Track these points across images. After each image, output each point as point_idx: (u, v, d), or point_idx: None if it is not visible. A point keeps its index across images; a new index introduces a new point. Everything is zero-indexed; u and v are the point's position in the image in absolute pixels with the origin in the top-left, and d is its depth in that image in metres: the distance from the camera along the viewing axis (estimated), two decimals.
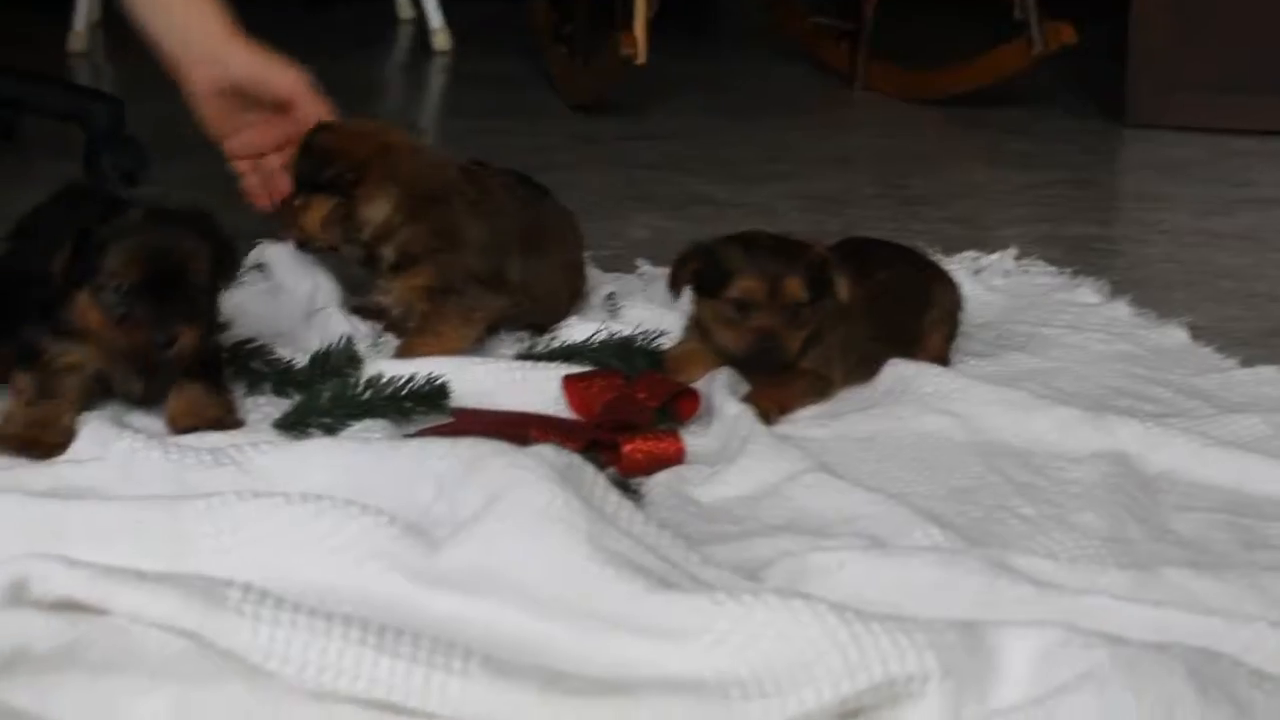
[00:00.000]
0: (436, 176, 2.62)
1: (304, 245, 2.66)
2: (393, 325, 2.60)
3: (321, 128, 2.64)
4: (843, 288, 2.38)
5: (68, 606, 1.56)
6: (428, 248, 2.56)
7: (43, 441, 2.12)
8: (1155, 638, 1.57)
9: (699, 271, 2.41)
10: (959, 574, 1.74)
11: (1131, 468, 2.17)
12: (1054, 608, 1.68)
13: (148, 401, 2.24)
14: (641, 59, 4.52)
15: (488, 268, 2.58)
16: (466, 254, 2.57)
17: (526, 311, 2.63)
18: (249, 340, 2.41)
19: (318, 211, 2.58)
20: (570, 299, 2.74)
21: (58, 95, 3.93)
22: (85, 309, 2.16)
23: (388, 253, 2.56)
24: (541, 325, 2.62)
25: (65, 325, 2.18)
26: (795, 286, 2.36)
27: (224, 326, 2.33)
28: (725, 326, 2.38)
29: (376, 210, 2.56)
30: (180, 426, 2.20)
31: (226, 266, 2.25)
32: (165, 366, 2.18)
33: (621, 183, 4.03)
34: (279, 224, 2.71)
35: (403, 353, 2.49)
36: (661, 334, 2.51)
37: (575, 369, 2.38)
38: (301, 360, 2.40)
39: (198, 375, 2.22)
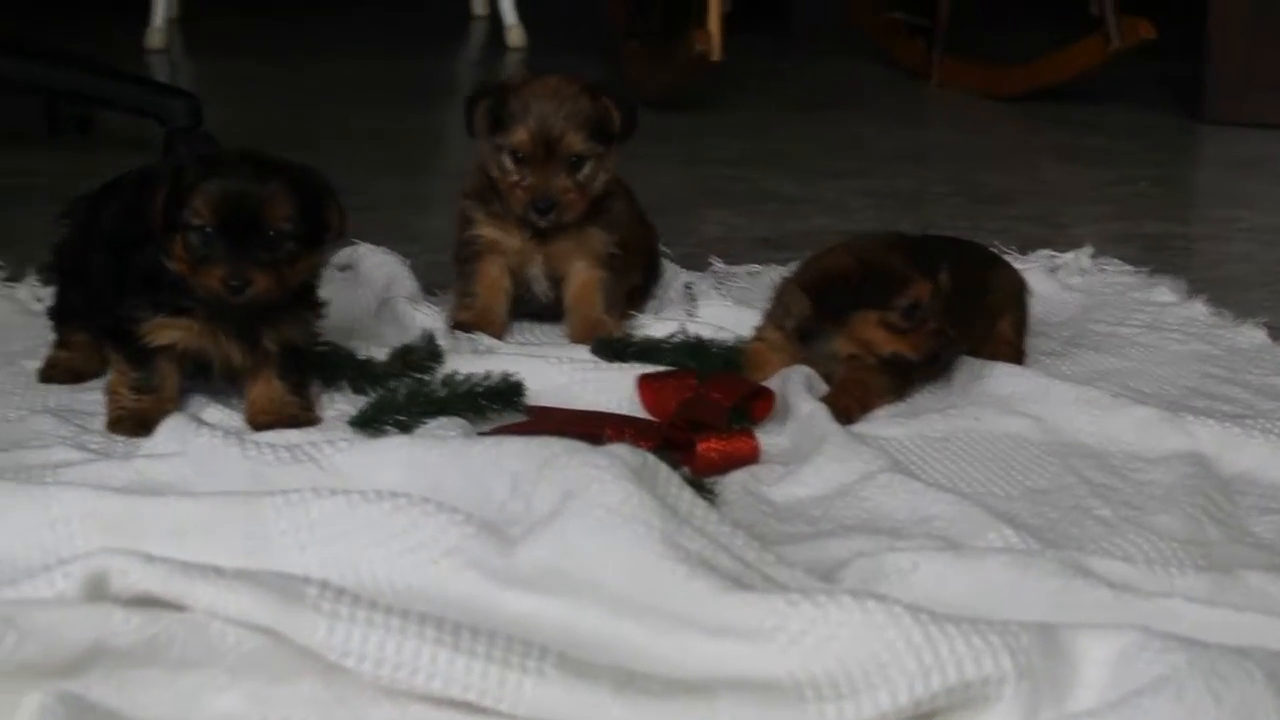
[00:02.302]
0: None
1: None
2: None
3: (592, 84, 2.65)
4: (945, 279, 2.38)
5: (147, 602, 1.57)
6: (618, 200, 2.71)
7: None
8: (1234, 641, 1.56)
9: (860, 288, 2.35)
10: (1034, 576, 1.73)
11: (1209, 469, 2.15)
12: (1131, 610, 1.67)
13: (242, 374, 2.26)
14: (716, 55, 4.52)
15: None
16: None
17: None
18: (324, 341, 2.41)
19: (610, 167, 2.65)
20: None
21: (135, 91, 3.96)
22: (178, 252, 2.18)
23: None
24: None
25: (165, 299, 2.21)
26: (947, 280, 2.36)
27: (320, 306, 2.33)
28: (897, 336, 2.34)
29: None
30: (258, 423, 2.22)
31: (317, 219, 2.22)
32: (241, 312, 2.20)
33: (694, 179, 4.03)
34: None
35: (583, 334, 2.59)
36: (738, 337, 2.50)
37: (649, 368, 2.38)
38: (379, 355, 2.41)
39: (280, 370, 2.24)
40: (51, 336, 2.47)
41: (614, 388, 2.37)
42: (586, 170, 2.60)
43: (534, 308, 2.73)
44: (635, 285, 2.80)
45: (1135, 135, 4.64)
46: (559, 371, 2.37)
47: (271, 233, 2.16)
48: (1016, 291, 2.62)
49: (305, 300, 2.29)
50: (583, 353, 2.47)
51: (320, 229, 2.23)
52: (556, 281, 2.68)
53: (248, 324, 2.23)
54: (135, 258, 2.23)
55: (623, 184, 2.75)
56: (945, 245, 2.58)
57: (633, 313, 2.71)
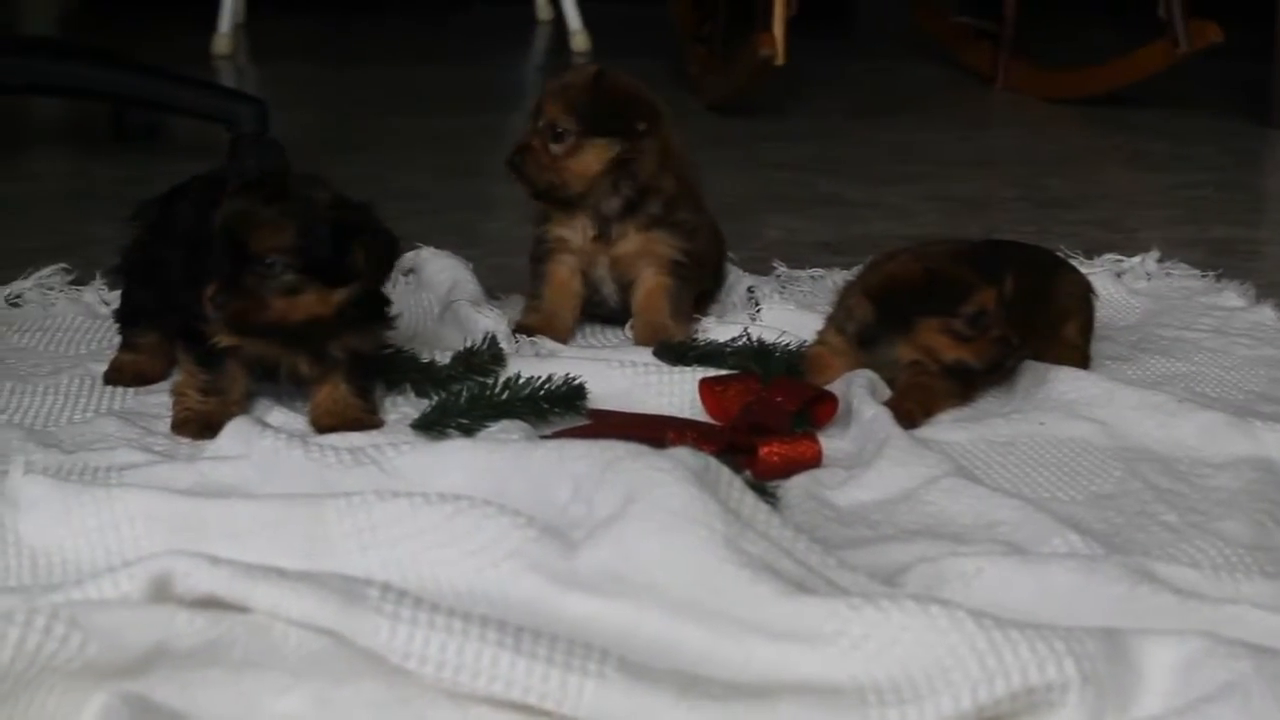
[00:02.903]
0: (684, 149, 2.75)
1: (545, 194, 2.65)
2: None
3: (604, 72, 2.66)
4: (1009, 286, 2.36)
5: (210, 604, 1.58)
6: (690, 210, 2.71)
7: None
8: None
9: (925, 296, 2.34)
10: (1099, 581, 1.72)
11: (1276, 474, 2.13)
12: (1197, 616, 1.66)
13: (309, 380, 2.27)
14: (780, 59, 4.51)
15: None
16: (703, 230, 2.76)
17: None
18: (390, 346, 2.41)
19: (599, 155, 2.63)
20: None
21: (203, 96, 3.98)
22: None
23: (654, 207, 2.66)
24: None
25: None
26: (1011, 286, 2.35)
27: (390, 320, 2.33)
28: (960, 344, 2.33)
29: (650, 163, 2.66)
30: (322, 426, 2.23)
31: (341, 257, 2.18)
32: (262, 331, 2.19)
33: (757, 183, 4.03)
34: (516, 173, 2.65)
35: (648, 339, 2.59)
36: (800, 341, 2.50)
37: (712, 372, 2.38)
38: (442, 358, 2.41)
39: (346, 375, 2.25)
40: (118, 340, 2.48)
41: (676, 391, 2.36)
42: (564, 145, 2.61)
43: (604, 311, 2.73)
44: (702, 290, 2.80)
45: (1202, 139, 4.61)
46: (621, 375, 2.37)
47: (269, 260, 2.16)
48: (1082, 296, 2.60)
49: (375, 312, 2.30)
50: (645, 356, 2.46)
51: (346, 268, 2.20)
52: (625, 287, 2.69)
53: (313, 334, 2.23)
54: (206, 259, 2.24)
55: (696, 194, 2.76)
56: (1010, 250, 2.56)
57: (697, 316, 2.71)
